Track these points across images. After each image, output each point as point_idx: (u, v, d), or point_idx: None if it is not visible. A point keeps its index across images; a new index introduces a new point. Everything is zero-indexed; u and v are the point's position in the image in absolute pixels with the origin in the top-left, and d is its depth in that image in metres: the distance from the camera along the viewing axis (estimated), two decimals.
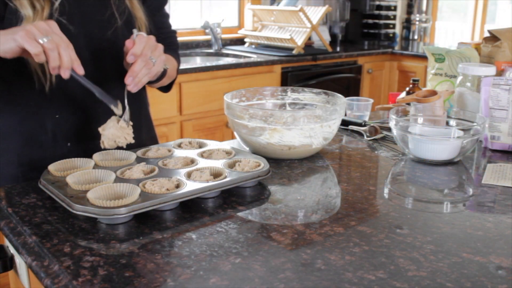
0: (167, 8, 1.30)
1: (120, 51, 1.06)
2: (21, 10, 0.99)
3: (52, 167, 0.95)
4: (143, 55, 0.97)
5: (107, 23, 1.10)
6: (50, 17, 1.01)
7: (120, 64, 1.08)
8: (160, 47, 1.03)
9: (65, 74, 0.91)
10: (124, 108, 1.02)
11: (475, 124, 1.18)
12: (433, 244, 0.77)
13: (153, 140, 1.31)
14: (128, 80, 0.97)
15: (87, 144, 1.12)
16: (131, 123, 1.03)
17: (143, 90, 1.25)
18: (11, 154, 1.09)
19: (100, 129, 1.00)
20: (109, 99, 0.99)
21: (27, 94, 1.07)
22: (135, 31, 1.00)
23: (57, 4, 1.02)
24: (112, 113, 1.02)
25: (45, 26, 0.90)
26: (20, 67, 1.03)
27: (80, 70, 0.93)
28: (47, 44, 0.88)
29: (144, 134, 1.25)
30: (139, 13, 1.15)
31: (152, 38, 1.02)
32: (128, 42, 0.99)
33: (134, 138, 1.05)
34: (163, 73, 1.13)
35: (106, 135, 0.99)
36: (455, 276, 0.68)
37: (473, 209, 0.93)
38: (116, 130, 0.99)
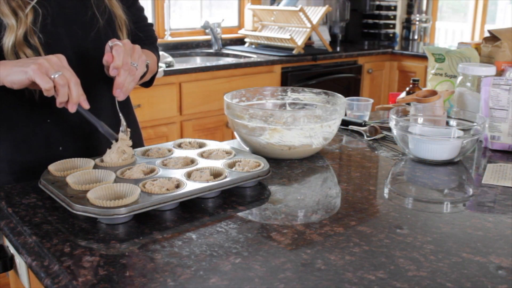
0: (144, 4, 1.30)
1: (103, 53, 1.05)
2: (3, 19, 0.98)
3: (52, 167, 0.95)
4: (124, 65, 0.98)
5: (90, 23, 1.10)
6: (34, 22, 1.01)
7: (103, 65, 1.06)
8: (138, 48, 1.03)
9: (72, 109, 0.94)
10: (118, 121, 1.04)
11: (475, 124, 1.18)
12: (433, 244, 0.77)
13: (140, 143, 1.30)
14: (116, 92, 0.98)
15: (79, 146, 1.12)
16: (129, 130, 1.03)
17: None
18: (1, 162, 1.08)
19: (102, 159, 1.00)
20: (110, 134, 1.00)
21: (16, 101, 1.06)
22: (109, 42, 1.00)
23: (41, 10, 1.02)
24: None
25: (56, 61, 0.91)
26: None
27: (86, 105, 0.95)
28: (58, 79, 0.90)
29: (131, 136, 1.21)
30: (119, 11, 1.15)
31: (127, 42, 1.01)
32: (107, 56, 0.99)
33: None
34: (146, 71, 1.13)
35: (109, 162, 0.99)
36: (455, 276, 0.68)
37: (473, 209, 0.93)
38: (116, 154, 0.99)
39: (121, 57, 0.97)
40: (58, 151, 1.10)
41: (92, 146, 1.14)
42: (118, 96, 0.99)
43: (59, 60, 0.92)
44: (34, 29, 1.01)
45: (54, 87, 0.91)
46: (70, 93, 0.92)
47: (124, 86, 0.98)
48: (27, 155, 1.09)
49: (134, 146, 1.11)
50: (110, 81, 0.99)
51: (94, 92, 1.10)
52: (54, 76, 0.89)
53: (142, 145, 1.29)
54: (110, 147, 1.02)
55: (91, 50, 1.10)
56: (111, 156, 0.99)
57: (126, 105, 1.25)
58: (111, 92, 1.00)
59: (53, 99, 0.95)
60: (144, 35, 1.25)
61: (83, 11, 1.10)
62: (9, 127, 1.07)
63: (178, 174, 0.93)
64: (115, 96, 0.99)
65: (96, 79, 1.12)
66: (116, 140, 1.01)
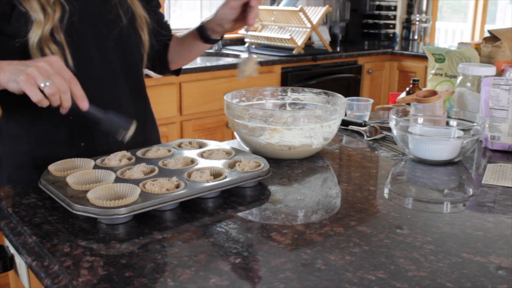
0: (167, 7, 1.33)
1: (126, 52, 1.10)
2: (31, 14, 0.99)
3: (52, 167, 0.95)
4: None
5: (113, 22, 1.12)
6: (61, 19, 1.02)
7: (126, 62, 1.10)
8: None
9: (63, 112, 0.92)
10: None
11: (475, 124, 1.18)
12: (433, 244, 0.77)
13: (157, 139, 1.33)
14: (253, 22, 1.11)
15: (100, 142, 1.13)
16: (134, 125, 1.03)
17: (144, 89, 1.27)
18: (23, 157, 1.10)
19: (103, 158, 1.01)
20: (123, 123, 0.99)
21: None
22: None
23: (68, 7, 1.03)
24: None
25: (46, 68, 0.88)
26: None
27: (84, 106, 0.93)
28: (47, 89, 0.88)
29: (148, 133, 1.27)
30: (140, 10, 1.17)
31: None
32: None
33: (140, 137, 1.10)
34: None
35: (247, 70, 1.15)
36: (455, 276, 0.68)
37: (473, 209, 0.93)
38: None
39: None
40: (80, 147, 1.11)
41: (114, 142, 1.13)
42: (252, 25, 1.11)
43: (49, 66, 0.89)
44: (60, 26, 1.02)
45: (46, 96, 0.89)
46: (61, 101, 0.90)
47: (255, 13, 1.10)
48: (49, 150, 1.09)
49: (152, 143, 1.15)
50: (129, 78, 1.00)
51: (114, 89, 1.13)
52: (45, 85, 0.88)
53: (159, 142, 1.31)
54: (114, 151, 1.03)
55: (113, 48, 1.12)
56: (112, 163, 0.99)
57: (144, 101, 1.27)
58: (130, 89, 1.03)
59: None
60: (166, 32, 1.29)
61: (107, 10, 1.11)
62: (33, 123, 1.09)
63: (178, 174, 0.93)
64: (250, 26, 1.11)
65: (117, 77, 1.14)
66: (129, 127, 1.00)
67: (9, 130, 1.11)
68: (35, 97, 0.88)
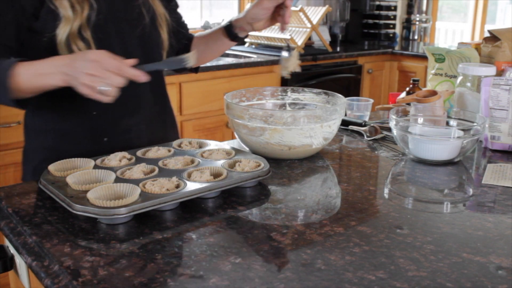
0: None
1: (147, 49, 1.15)
2: (61, 11, 1.02)
3: (52, 167, 0.95)
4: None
5: (136, 21, 1.15)
6: (89, 17, 1.05)
7: (147, 60, 1.13)
8: None
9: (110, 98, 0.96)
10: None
11: (475, 124, 1.18)
12: (433, 244, 0.77)
13: (175, 136, 1.35)
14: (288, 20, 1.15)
15: (122, 138, 1.16)
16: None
17: (164, 87, 1.31)
18: (48, 151, 1.13)
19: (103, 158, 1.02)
20: (179, 60, 1.04)
21: (62, 92, 1.08)
22: None
23: (96, 5, 1.07)
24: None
25: (99, 70, 0.91)
26: None
27: (144, 79, 0.97)
28: (106, 91, 0.93)
29: (168, 130, 1.31)
30: (161, 9, 1.20)
31: None
32: None
33: (159, 133, 1.21)
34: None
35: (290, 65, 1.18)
36: (455, 276, 0.68)
37: (473, 209, 0.93)
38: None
39: None
40: (103, 142, 1.14)
41: (135, 137, 1.19)
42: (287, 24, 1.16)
43: (100, 66, 0.92)
44: (88, 23, 1.05)
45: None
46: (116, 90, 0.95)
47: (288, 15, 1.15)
48: (73, 145, 1.13)
49: (171, 139, 1.19)
50: (151, 76, 1.02)
51: (135, 87, 1.14)
52: (103, 90, 0.92)
53: (177, 137, 1.34)
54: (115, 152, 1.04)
55: (136, 46, 1.15)
56: (112, 163, 0.99)
57: (164, 99, 1.30)
58: (151, 86, 1.10)
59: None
60: (185, 31, 1.34)
61: (130, 9, 1.15)
62: (58, 119, 1.12)
63: (178, 174, 0.93)
64: (286, 24, 1.16)
65: None
66: (189, 59, 1.03)
67: (34, 125, 1.15)
68: (95, 97, 0.93)
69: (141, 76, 0.96)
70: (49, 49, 1.03)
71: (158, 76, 1.25)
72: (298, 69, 1.22)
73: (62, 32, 1.02)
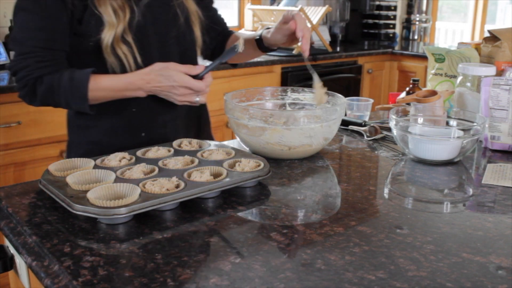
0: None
1: (183, 48, 1.23)
2: (104, 17, 1.08)
3: (52, 167, 0.95)
4: (305, 28, 1.18)
5: (172, 21, 1.20)
6: (131, 21, 1.11)
7: (183, 58, 1.20)
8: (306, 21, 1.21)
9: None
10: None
11: (475, 124, 1.18)
12: (433, 244, 0.77)
13: (208, 134, 1.41)
14: (306, 51, 1.17)
15: (158, 133, 1.22)
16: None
17: None
18: (90, 145, 1.21)
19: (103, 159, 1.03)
20: (230, 50, 1.14)
21: None
22: (288, 12, 1.19)
23: (136, 10, 1.13)
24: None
25: (186, 90, 1.10)
26: (100, 67, 1.11)
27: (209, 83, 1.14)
28: (199, 101, 1.13)
29: (202, 127, 1.36)
30: (193, 6, 1.24)
31: (301, 15, 1.20)
32: (291, 24, 1.19)
33: (192, 130, 1.30)
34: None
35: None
36: (455, 276, 0.68)
37: (473, 209, 0.93)
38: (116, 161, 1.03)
39: (304, 22, 1.17)
40: (141, 136, 1.21)
41: (171, 132, 1.24)
42: (306, 51, 1.17)
43: (185, 84, 1.09)
44: (129, 27, 1.12)
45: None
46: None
47: (307, 42, 1.17)
48: (114, 139, 1.20)
49: (204, 137, 1.27)
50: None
51: None
52: (196, 100, 1.13)
53: (211, 137, 1.40)
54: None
55: (171, 45, 1.21)
56: (112, 163, 0.99)
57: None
58: None
59: None
60: (219, 27, 1.38)
61: (166, 10, 1.20)
62: (100, 116, 1.17)
63: (178, 174, 0.93)
64: (304, 52, 1.17)
65: None
66: (238, 47, 1.13)
67: (78, 122, 1.22)
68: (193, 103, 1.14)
69: (205, 92, 1.13)
70: (94, 53, 1.10)
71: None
72: (324, 101, 1.24)
73: (107, 37, 1.08)
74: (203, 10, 1.27)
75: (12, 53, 2.43)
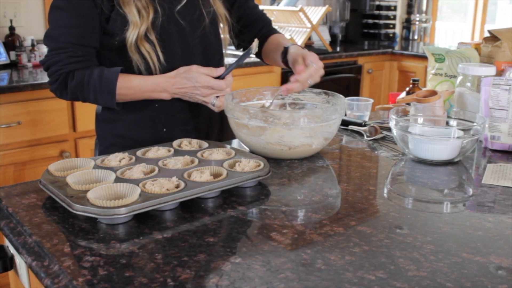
0: None
1: (207, 48, 1.26)
2: (129, 16, 1.13)
3: (52, 167, 0.95)
4: (304, 82, 1.17)
5: (197, 22, 1.23)
6: (154, 20, 1.16)
7: (206, 59, 1.24)
8: (320, 72, 1.21)
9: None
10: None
11: (475, 124, 1.18)
12: (433, 244, 0.77)
13: (232, 136, 1.41)
14: (282, 91, 1.18)
15: (179, 129, 1.27)
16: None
17: None
18: (115, 138, 1.28)
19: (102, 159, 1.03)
20: (246, 54, 1.17)
21: None
22: (310, 61, 1.19)
23: (160, 10, 1.17)
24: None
25: (208, 90, 1.16)
26: (126, 64, 1.16)
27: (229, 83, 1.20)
28: (218, 102, 1.19)
29: (224, 126, 1.38)
30: (221, 9, 1.27)
31: (320, 70, 1.20)
32: (299, 68, 1.18)
33: (215, 128, 1.34)
34: None
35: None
36: (455, 276, 0.68)
37: (473, 209, 0.93)
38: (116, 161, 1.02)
39: (306, 76, 1.17)
40: (162, 132, 1.26)
41: (192, 129, 1.29)
42: (282, 92, 1.18)
43: (208, 84, 1.14)
44: (153, 27, 1.16)
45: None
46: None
47: (290, 91, 1.18)
48: (136, 133, 1.26)
49: (224, 138, 1.33)
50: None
51: None
52: (214, 102, 1.19)
53: (233, 137, 1.40)
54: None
55: (196, 45, 1.24)
56: (112, 163, 0.99)
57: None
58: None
59: None
60: (260, 24, 1.39)
61: (192, 10, 1.22)
62: (125, 111, 1.23)
63: (178, 174, 0.93)
64: (280, 92, 1.19)
65: None
66: (251, 50, 1.18)
67: (104, 116, 1.28)
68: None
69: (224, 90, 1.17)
70: (120, 50, 1.16)
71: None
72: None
73: (131, 36, 1.13)
74: (237, 10, 1.31)
75: (44, 52, 2.44)
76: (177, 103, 1.24)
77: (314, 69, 1.18)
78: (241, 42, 1.42)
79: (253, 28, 1.39)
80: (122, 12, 1.13)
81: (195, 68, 1.14)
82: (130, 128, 1.26)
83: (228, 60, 1.44)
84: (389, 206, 0.92)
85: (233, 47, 1.50)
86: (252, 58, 2.94)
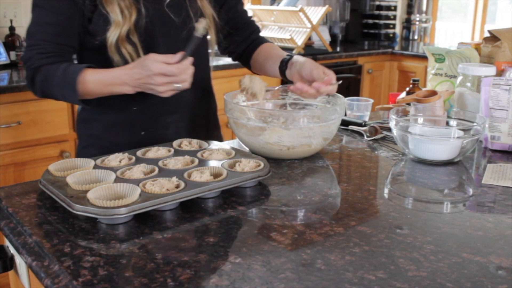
0: None
1: (194, 50, 1.19)
2: (111, 16, 1.10)
3: (52, 167, 0.95)
4: (320, 93, 1.13)
5: (183, 23, 1.20)
6: (137, 21, 1.12)
7: (194, 62, 1.18)
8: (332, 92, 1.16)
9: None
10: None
11: (475, 124, 1.18)
12: (433, 244, 0.77)
13: (218, 137, 1.40)
14: (294, 87, 1.13)
15: (158, 133, 1.23)
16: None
17: (209, 88, 1.35)
18: (92, 139, 1.25)
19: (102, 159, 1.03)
20: (194, 39, 1.08)
21: None
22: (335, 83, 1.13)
23: (144, 11, 1.13)
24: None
25: (166, 79, 1.04)
26: (107, 65, 1.13)
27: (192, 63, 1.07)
28: (181, 87, 1.06)
29: (210, 131, 1.35)
30: (209, 9, 1.24)
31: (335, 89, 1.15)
32: (327, 80, 1.12)
33: (199, 133, 1.25)
34: None
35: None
36: (455, 276, 0.68)
37: (473, 209, 0.93)
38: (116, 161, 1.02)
39: (326, 90, 1.12)
40: (140, 135, 1.22)
41: (173, 134, 1.24)
42: (292, 88, 1.14)
43: (165, 72, 1.03)
44: (135, 28, 1.13)
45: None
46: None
47: (300, 92, 1.14)
48: (113, 135, 1.22)
49: (213, 139, 1.24)
50: (195, 76, 1.08)
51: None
52: (178, 87, 1.06)
53: (221, 140, 1.38)
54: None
55: (181, 47, 1.17)
56: (112, 163, 0.99)
57: (208, 99, 1.35)
58: (195, 87, 1.14)
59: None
60: (248, 31, 1.36)
61: (178, 12, 1.19)
62: (103, 111, 1.21)
63: (178, 174, 0.93)
64: (292, 87, 1.14)
65: None
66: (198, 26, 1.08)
67: (82, 116, 1.27)
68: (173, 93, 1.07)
69: (190, 63, 1.06)
70: (101, 51, 1.12)
71: (203, 76, 1.29)
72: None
73: (112, 36, 1.10)
74: (226, 13, 1.28)
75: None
76: (156, 107, 1.21)
77: (335, 87, 1.14)
78: (229, 45, 1.37)
79: (242, 32, 1.36)
80: (105, 12, 1.10)
81: (151, 56, 1.05)
82: (107, 129, 1.23)
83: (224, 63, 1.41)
84: (389, 206, 0.92)
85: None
86: None
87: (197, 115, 1.29)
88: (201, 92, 1.29)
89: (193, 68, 1.06)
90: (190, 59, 1.06)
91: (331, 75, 1.13)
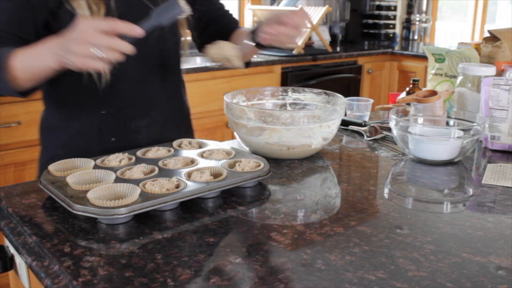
0: None
1: (165, 49, 1.17)
2: (78, 11, 1.03)
3: (52, 167, 0.95)
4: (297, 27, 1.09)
5: None
6: (105, 16, 1.05)
7: (163, 61, 1.15)
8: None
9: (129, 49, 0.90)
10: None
11: (475, 124, 1.18)
12: (433, 244, 0.77)
13: (190, 133, 1.36)
14: (264, 37, 1.10)
15: (130, 139, 1.17)
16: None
17: (181, 89, 1.30)
18: (58, 149, 1.17)
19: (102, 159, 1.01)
20: (170, 12, 0.97)
21: (74, 92, 1.12)
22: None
23: (112, 4, 1.07)
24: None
25: (85, 38, 0.87)
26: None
27: (139, 32, 0.91)
28: (102, 54, 0.87)
29: (182, 133, 1.30)
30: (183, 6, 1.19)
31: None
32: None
33: (172, 136, 1.18)
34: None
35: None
36: (455, 276, 0.68)
37: (473, 209, 0.93)
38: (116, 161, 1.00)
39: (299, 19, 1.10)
40: (110, 141, 1.15)
41: (144, 139, 1.19)
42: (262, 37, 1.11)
43: (85, 34, 0.86)
44: None
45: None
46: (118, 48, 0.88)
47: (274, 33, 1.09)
48: (82, 144, 1.15)
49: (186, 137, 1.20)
50: (166, 77, 1.05)
51: (148, 88, 1.17)
52: (98, 54, 0.86)
53: (192, 136, 1.34)
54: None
55: (152, 46, 1.15)
56: (112, 163, 0.99)
57: (179, 101, 1.30)
58: (166, 88, 1.12)
59: (112, 90, 1.08)
60: (221, 23, 1.32)
61: (148, 9, 1.13)
62: (69, 118, 1.15)
63: (178, 174, 0.93)
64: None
65: (152, 75, 1.18)
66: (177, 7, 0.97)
67: (48, 124, 1.19)
68: (97, 68, 0.88)
69: (135, 29, 0.90)
70: None
71: (174, 77, 1.26)
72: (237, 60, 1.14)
73: None
74: (200, 5, 1.23)
75: None
76: (128, 111, 1.15)
77: (306, 14, 1.10)
78: (205, 39, 1.28)
79: (218, 23, 1.30)
80: (70, 8, 1.03)
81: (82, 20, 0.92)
82: (73, 137, 1.15)
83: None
84: (389, 206, 0.92)
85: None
86: (252, 58, 2.94)
87: (168, 119, 1.23)
88: (173, 94, 1.25)
89: (127, 44, 0.90)
90: (138, 32, 0.92)
91: (299, 10, 1.10)
